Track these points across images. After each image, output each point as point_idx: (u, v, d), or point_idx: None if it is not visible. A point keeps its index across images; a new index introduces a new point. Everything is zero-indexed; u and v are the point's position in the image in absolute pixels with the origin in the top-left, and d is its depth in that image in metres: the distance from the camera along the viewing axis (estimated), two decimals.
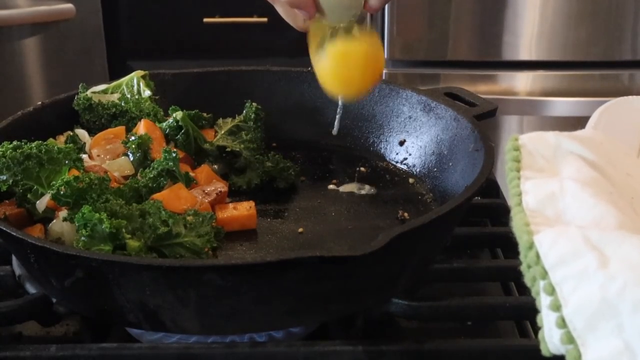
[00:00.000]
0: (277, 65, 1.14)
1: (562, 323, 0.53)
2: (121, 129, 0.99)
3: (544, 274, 0.55)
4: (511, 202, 0.62)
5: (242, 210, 0.91)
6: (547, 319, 0.55)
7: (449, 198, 0.92)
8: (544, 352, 0.56)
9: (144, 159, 0.94)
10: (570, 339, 0.53)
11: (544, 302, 0.55)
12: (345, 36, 0.86)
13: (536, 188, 0.63)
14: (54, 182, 0.83)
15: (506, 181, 0.65)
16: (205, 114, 1.04)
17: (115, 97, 1.04)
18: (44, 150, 0.85)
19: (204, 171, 0.96)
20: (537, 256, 0.56)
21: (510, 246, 0.93)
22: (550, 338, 0.55)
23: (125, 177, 0.92)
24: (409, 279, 0.80)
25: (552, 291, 0.54)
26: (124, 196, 0.85)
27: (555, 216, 0.60)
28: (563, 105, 2.03)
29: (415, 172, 1.02)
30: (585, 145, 0.68)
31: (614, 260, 0.53)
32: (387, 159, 1.06)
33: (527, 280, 0.57)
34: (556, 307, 0.54)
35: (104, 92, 1.05)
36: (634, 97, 0.81)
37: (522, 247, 0.57)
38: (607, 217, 0.59)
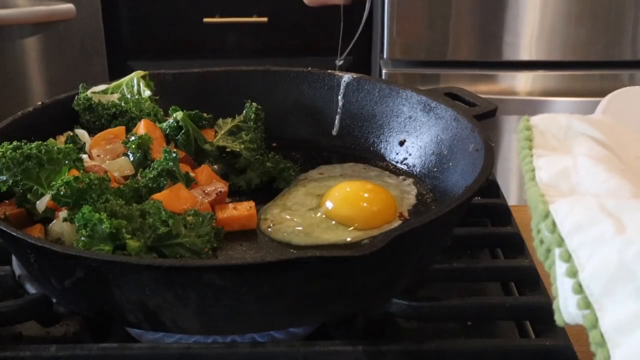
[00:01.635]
0: (277, 65, 1.14)
1: (579, 288, 0.54)
2: (121, 129, 0.99)
3: (560, 242, 0.56)
4: (524, 177, 0.63)
5: (242, 210, 0.91)
6: (562, 287, 0.55)
7: (449, 198, 0.92)
8: (559, 322, 0.56)
9: (144, 159, 0.94)
10: (586, 304, 0.53)
11: (559, 270, 0.56)
12: None
13: (549, 164, 0.64)
14: (54, 183, 0.83)
15: (519, 159, 0.66)
16: (205, 114, 1.04)
17: (115, 97, 1.04)
18: (44, 150, 0.85)
19: (204, 171, 0.95)
20: (553, 224, 0.56)
21: (510, 246, 0.93)
22: (566, 307, 0.55)
23: (125, 177, 0.92)
24: (409, 279, 0.80)
25: (568, 258, 0.55)
26: (124, 196, 0.85)
27: (569, 190, 0.61)
28: (563, 105, 2.03)
29: (415, 172, 1.02)
30: (596, 127, 0.68)
31: (631, 226, 0.54)
32: (387, 159, 1.06)
33: (540, 255, 0.58)
34: (573, 273, 0.54)
35: (104, 92, 1.05)
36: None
37: (537, 217, 0.58)
38: (621, 190, 0.60)
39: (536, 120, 0.70)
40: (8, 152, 0.85)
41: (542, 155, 0.65)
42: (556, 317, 0.56)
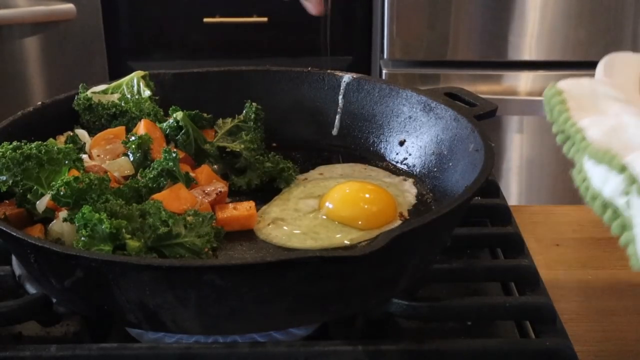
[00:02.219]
0: (277, 65, 1.14)
1: None
2: (121, 129, 0.99)
3: None
4: (572, 138, 0.63)
5: (242, 210, 0.91)
6: None
7: (449, 198, 0.92)
8: (635, 267, 0.57)
9: (144, 159, 0.94)
10: None
11: (637, 219, 0.56)
12: None
13: (595, 124, 0.63)
14: (53, 183, 0.83)
15: (556, 124, 0.65)
16: (205, 114, 1.04)
17: (115, 97, 1.04)
18: (43, 150, 0.85)
19: (204, 171, 0.96)
20: (631, 177, 0.57)
21: (510, 246, 0.93)
22: None
23: (125, 177, 0.92)
24: (409, 279, 0.80)
25: None
26: (124, 196, 0.85)
27: (624, 148, 0.61)
28: None
29: (415, 172, 1.02)
30: (615, 89, 0.68)
31: None
32: (387, 159, 1.06)
33: (597, 209, 0.59)
34: None
35: (104, 92, 1.05)
36: (626, 52, 0.82)
37: (612, 169, 0.58)
38: None
39: (563, 85, 0.69)
40: (8, 152, 0.85)
41: (583, 116, 0.65)
42: (632, 262, 0.57)
